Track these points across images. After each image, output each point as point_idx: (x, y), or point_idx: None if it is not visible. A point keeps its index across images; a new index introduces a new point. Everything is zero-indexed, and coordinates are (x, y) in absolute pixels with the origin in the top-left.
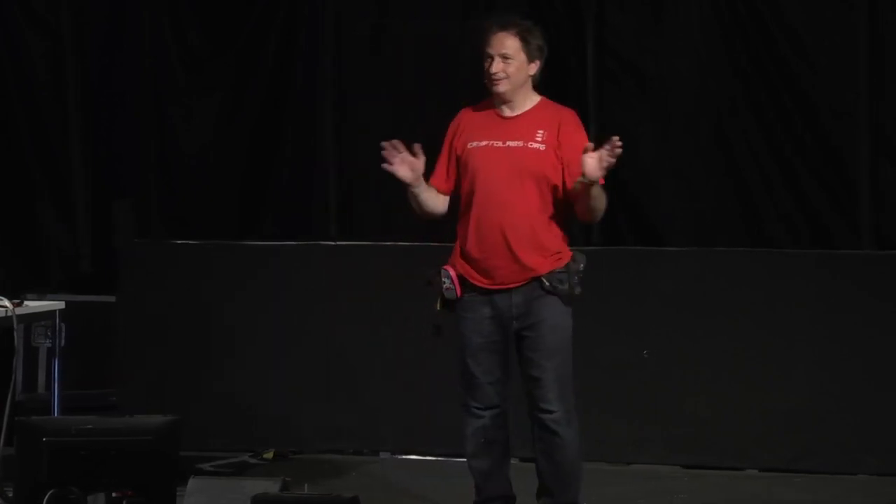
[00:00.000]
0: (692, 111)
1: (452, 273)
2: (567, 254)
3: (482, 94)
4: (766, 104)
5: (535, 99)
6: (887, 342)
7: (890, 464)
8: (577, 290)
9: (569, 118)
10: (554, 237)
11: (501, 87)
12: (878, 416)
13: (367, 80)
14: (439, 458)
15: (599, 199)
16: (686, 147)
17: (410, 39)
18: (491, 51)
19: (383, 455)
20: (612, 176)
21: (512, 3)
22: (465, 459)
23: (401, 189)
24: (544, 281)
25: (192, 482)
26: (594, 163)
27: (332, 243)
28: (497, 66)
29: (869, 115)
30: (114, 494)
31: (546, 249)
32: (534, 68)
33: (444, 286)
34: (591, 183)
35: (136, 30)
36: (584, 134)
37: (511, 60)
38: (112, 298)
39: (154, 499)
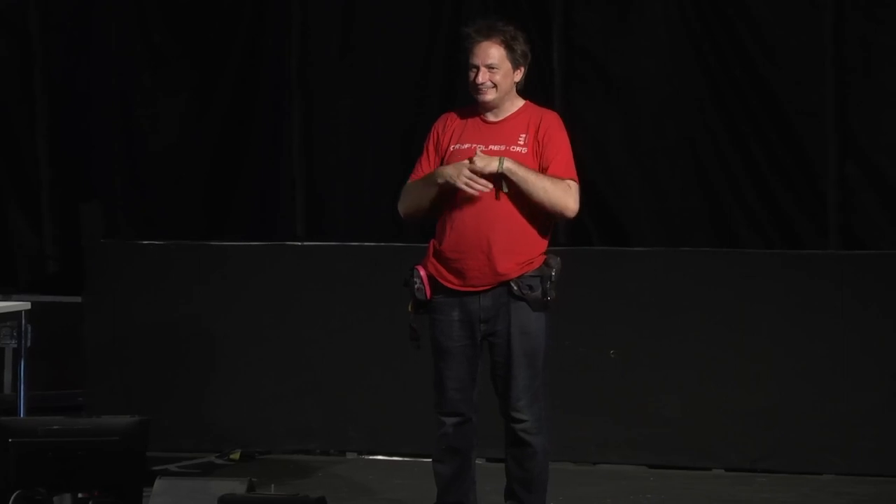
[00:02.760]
0: (659, 111)
1: (423, 273)
2: (541, 258)
3: (453, 96)
4: (734, 104)
5: (518, 103)
6: (853, 342)
7: (855, 463)
8: (551, 294)
9: (550, 120)
10: (531, 241)
11: (488, 97)
12: (843, 415)
13: (334, 81)
14: (406, 459)
15: (531, 186)
16: (653, 147)
17: (379, 40)
18: (476, 61)
19: (350, 455)
20: (580, 175)
21: (480, 3)
22: (430, 460)
23: (368, 190)
24: (513, 285)
25: (159, 483)
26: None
27: (299, 243)
28: (483, 77)
29: (835, 115)
30: (80, 495)
31: (521, 254)
32: (519, 75)
33: (415, 286)
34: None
35: (103, 31)
36: (564, 136)
37: (497, 70)
38: (78, 299)
39: (121, 499)
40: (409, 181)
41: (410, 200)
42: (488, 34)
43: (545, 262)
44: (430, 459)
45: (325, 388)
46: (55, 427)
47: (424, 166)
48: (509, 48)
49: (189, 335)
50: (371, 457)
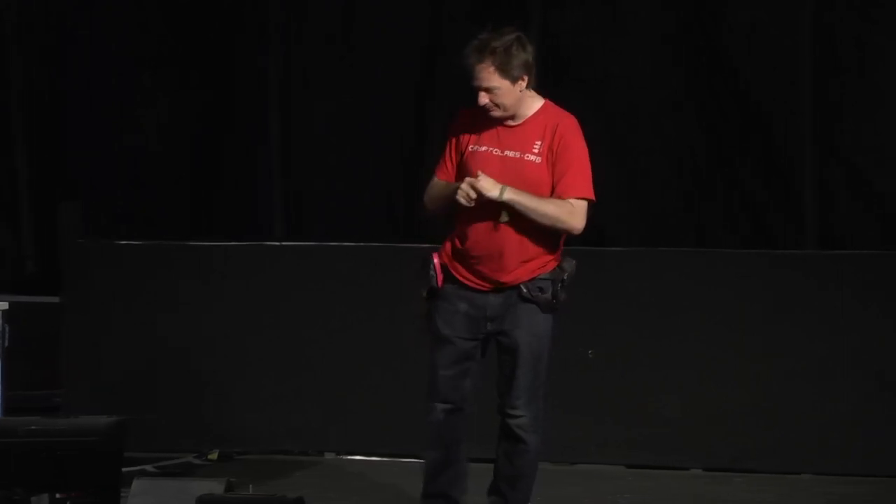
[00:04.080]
0: (637, 111)
1: (436, 261)
2: (554, 261)
3: (436, 96)
4: (712, 104)
5: (536, 104)
6: (833, 343)
7: (833, 463)
8: (561, 297)
9: (566, 128)
10: (543, 248)
11: (495, 114)
12: (821, 415)
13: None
14: (384, 459)
15: (533, 214)
16: (630, 147)
17: (362, 41)
18: (475, 83)
19: (328, 455)
20: None
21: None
22: (409, 460)
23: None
24: (523, 288)
25: (137, 483)
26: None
27: (278, 243)
28: (483, 100)
29: (813, 115)
30: (58, 495)
31: (533, 261)
32: (523, 84)
33: (429, 273)
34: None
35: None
36: (579, 145)
37: (496, 90)
38: (57, 299)
39: (99, 499)
40: (435, 178)
41: (433, 200)
42: (480, 57)
43: (559, 265)
44: (409, 459)
45: (304, 388)
46: (34, 427)
47: (448, 164)
48: (501, 69)
49: (167, 335)
50: (349, 457)
